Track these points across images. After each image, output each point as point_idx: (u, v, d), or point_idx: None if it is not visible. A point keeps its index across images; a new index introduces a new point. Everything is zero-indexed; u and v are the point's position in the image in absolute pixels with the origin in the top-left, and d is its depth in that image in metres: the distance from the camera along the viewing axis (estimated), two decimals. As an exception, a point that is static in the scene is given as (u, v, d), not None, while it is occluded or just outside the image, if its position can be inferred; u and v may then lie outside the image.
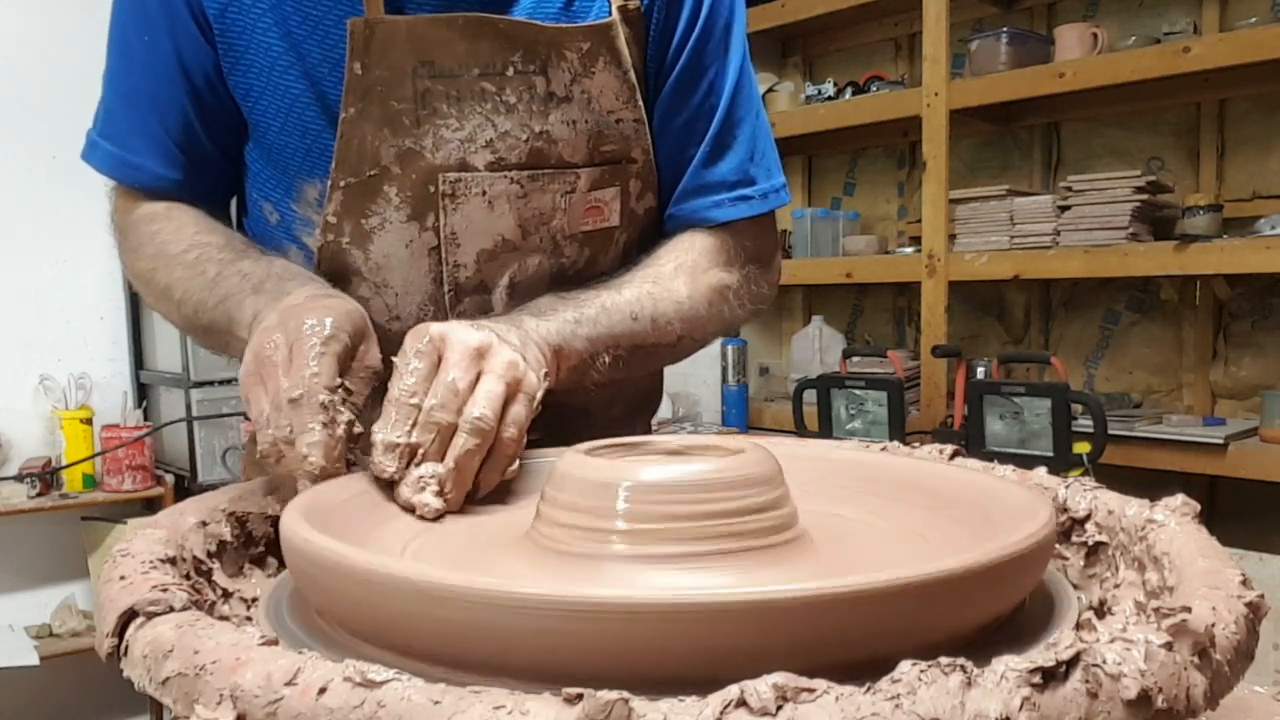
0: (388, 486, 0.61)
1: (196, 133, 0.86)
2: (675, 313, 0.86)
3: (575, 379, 0.79)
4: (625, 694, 0.32)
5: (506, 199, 0.83)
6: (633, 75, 0.86)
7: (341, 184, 0.80)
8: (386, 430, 0.61)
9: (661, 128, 0.90)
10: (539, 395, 0.67)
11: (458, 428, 0.61)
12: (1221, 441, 2.25)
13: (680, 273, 0.88)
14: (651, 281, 0.86)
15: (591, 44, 0.83)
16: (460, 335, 0.64)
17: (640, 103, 0.87)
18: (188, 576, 0.53)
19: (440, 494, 0.61)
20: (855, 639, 0.39)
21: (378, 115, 0.79)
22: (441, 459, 0.61)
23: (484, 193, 0.82)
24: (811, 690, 0.32)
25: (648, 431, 1.04)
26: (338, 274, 0.84)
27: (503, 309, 0.85)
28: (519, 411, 0.64)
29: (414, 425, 0.61)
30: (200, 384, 2.73)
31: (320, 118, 0.81)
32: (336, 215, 0.82)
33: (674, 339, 0.87)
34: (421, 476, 0.60)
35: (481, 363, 0.64)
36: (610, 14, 0.85)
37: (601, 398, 0.90)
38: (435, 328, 0.65)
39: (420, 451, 0.61)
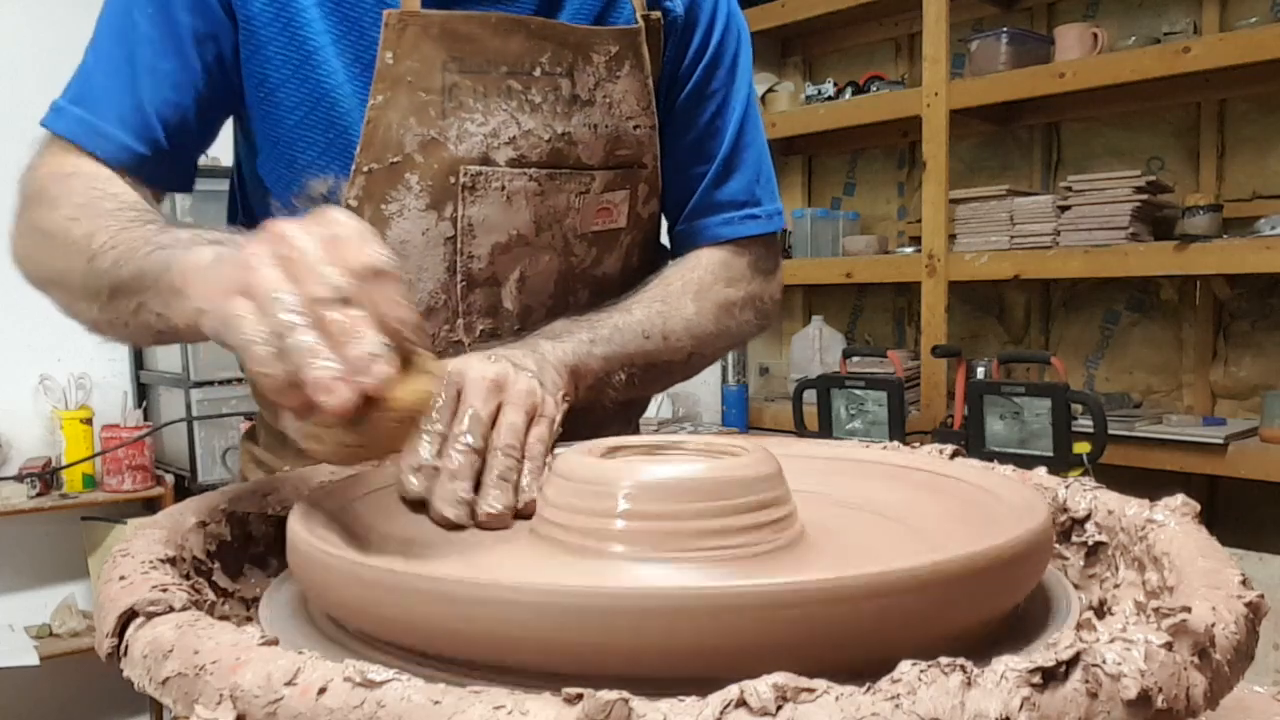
0: (418, 504, 0.60)
1: (185, 110, 0.82)
2: (685, 329, 0.89)
3: (593, 397, 0.80)
4: (625, 694, 0.32)
5: (524, 195, 0.85)
6: (651, 83, 0.90)
7: (365, 169, 0.81)
8: (413, 455, 0.60)
9: (671, 144, 0.93)
10: (559, 418, 0.68)
11: (487, 451, 0.61)
12: (1221, 441, 2.25)
13: (687, 290, 0.91)
14: (660, 300, 0.89)
15: (620, 48, 0.87)
16: (477, 370, 0.65)
17: (655, 111, 0.91)
18: (188, 576, 0.53)
19: (471, 507, 0.60)
20: (854, 635, 0.39)
21: (405, 104, 0.80)
22: (471, 478, 0.60)
23: (503, 188, 0.84)
24: (811, 690, 0.32)
25: (634, 433, 1.05)
26: None
27: (511, 303, 0.88)
28: (542, 431, 0.65)
29: (441, 449, 0.61)
30: (200, 384, 2.73)
31: (346, 117, 0.81)
32: (358, 200, 0.82)
33: (685, 355, 0.90)
34: (455, 491, 0.59)
35: (500, 394, 0.65)
36: (636, 21, 0.88)
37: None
38: (452, 364, 0.65)
39: (450, 470, 0.60)
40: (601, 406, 0.82)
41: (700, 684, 0.34)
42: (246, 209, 0.93)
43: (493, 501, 0.60)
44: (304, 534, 0.48)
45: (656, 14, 0.89)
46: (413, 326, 0.49)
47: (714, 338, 0.92)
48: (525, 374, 0.68)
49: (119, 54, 0.82)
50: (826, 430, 2.52)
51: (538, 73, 0.84)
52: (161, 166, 0.82)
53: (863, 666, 0.36)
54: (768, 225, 0.98)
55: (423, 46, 0.80)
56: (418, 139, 0.81)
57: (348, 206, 0.82)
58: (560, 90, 0.85)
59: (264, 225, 0.53)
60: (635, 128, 0.90)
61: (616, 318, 0.85)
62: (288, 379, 0.47)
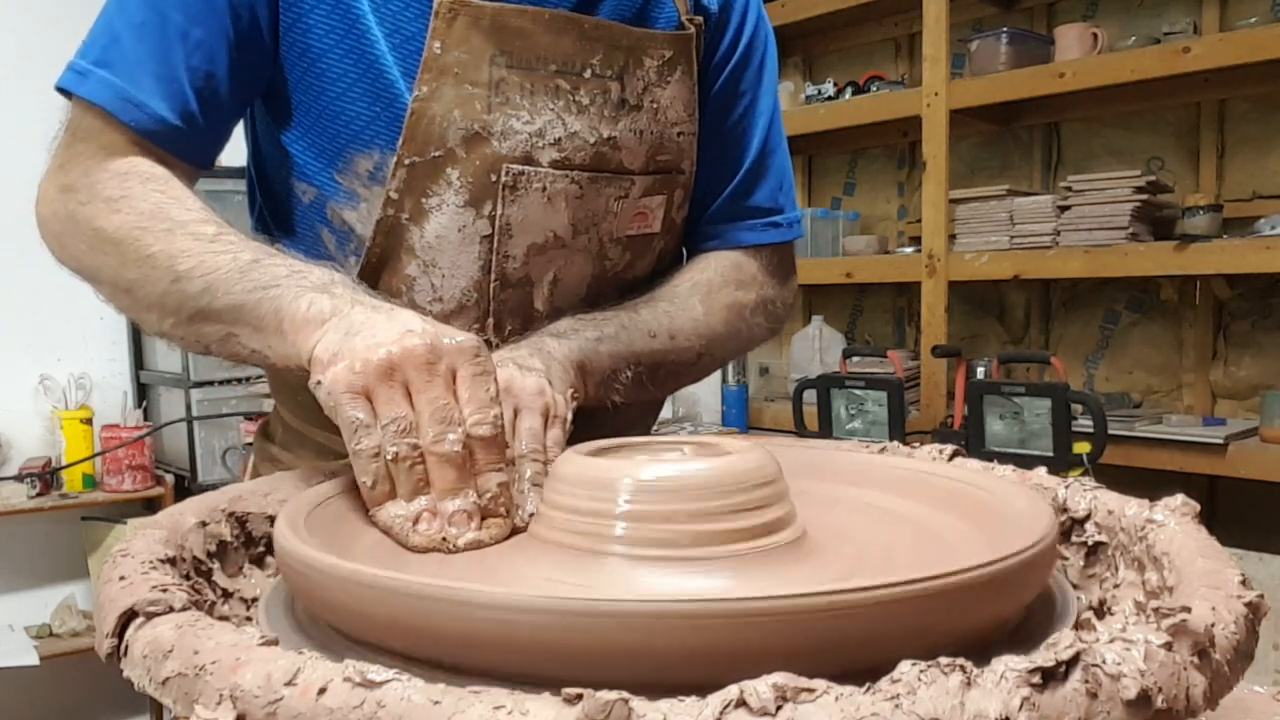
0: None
1: (217, 81, 0.78)
2: (693, 329, 0.89)
3: (601, 395, 0.80)
4: (625, 694, 0.32)
5: (564, 197, 0.83)
6: (697, 90, 0.89)
7: (406, 162, 0.79)
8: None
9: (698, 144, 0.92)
10: (569, 416, 0.69)
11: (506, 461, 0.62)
12: (1221, 441, 2.25)
13: (695, 292, 0.91)
14: (667, 301, 0.89)
15: (673, 53, 0.86)
16: None
17: (698, 116, 0.90)
18: (188, 576, 0.53)
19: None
20: (856, 644, 0.38)
21: (450, 96, 0.78)
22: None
23: (544, 189, 0.82)
24: (811, 690, 0.32)
25: (646, 434, 1.05)
26: (390, 250, 0.82)
27: (542, 304, 0.86)
28: (557, 434, 0.66)
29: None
30: (200, 384, 2.73)
31: (393, 87, 0.79)
32: (399, 192, 0.80)
33: (694, 356, 0.90)
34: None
35: (512, 398, 0.65)
36: (680, 24, 0.87)
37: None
38: None
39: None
40: (611, 409, 0.82)
41: (700, 687, 0.34)
42: (269, 195, 0.90)
43: (531, 507, 0.60)
44: (292, 541, 0.47)
45: (699, 18, 0.89)
46: (504, 489, 0.58)
47: (724, 339, 0.92)
48: (533, 374, 0.68)
49: (149, 16, 0.77)
50: (826, 430, 2.52)
51: (588, 74, 0.82)
52: (192, 141, 0.79)
53: (863, 669, 0.36)
54: (788, 234, 0.99)
55: (472, 38, 0.78)
56: (461, 133, 0.79)
57: (388, 199, 0.80)
58: (609, 93, 0.83)
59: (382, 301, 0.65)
60: (679, 134, 0.88)
61: (623, 316, 0.85)
62: (384, 496, 0.57)
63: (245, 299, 0.67)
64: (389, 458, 0.56)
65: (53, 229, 0.79)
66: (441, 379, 0.57)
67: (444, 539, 0.56)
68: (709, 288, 0.92)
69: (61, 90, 0.78)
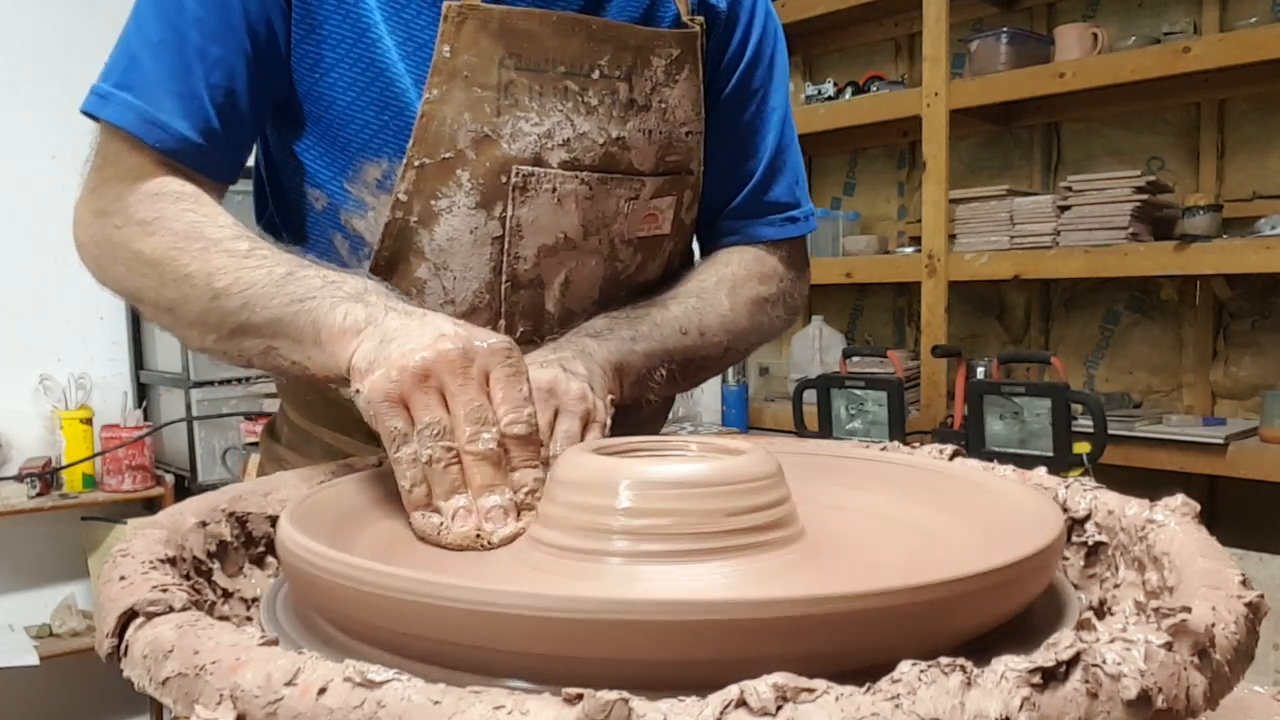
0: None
1: (237, 97, 0.79)
2: (720, 324, 0.90)
3: (636, 394, 0.81)
4: (625, 694, 0.32)
5: (574, 198, 0.84)
6: (703, 88, 0.90)
7: (416, 163, 0.79)
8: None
9: (709, 140, 0.93)
10: (608, 421, 0.70)
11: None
12: (1221, 441, 2.25)
13: (721, 287, 0.92)
14: (695, 296, 0.90)
15: (681, 51, 0.86)
16: (532, 376, 0.64)
17: (705, 116, 0.91)
18: (188, 576, 0.53)
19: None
20: (857, 645, 0.38)
21: (460, 99, 0.79)
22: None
23: (554, 190, 0.83)
24: (811, 690, 0.32)
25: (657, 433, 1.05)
26: (400, 253, 0.83)
27: (554, 306, 0.87)
28: (595, 437, 0.67)
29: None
30: (200, 384, 2.73)
31: (403, 96, 0.80)
32: (408, 194, 0.81)
33: (721, 351, 0.91)
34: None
35: (554, 400, 0.67)
36: (683, 22, 0.88)
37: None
38: None
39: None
40: (643, 406, 0.83)
41: (700, 688, 0.34)
42: (281, 201, 0.90)
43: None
44: (295, 536, 0.47)
45: (700, 17, 0.89)
46: (540, 485, 0.59)
47: (748, 333, 0.93)
48: (576, 379, 0.69)
49: (167, 35, 0.77)
50: (826, 430, 2.52)
51: (596, 75, 0.82)
52: (215, 157, 0.80)
53: (865, 669, 0.36)
54: (804, 228, 1.00)
55: (481, 41, 0.78)
56: (471, 135, 0.79)
57: (397, 201, 0.81)
58: (618, 94, 0.84)
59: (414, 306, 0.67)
60: (687, 134, 0.89)
61: (655, 314, 0.85)
62: (423, 499, 0.58)
63: (283, 312, 0.68)
64: (424, 461, 0.58)
65: (91, 253, 0.81)
66: (475, 381, 0.59)
67: (478, 534, 0.57)
68: (734, 282, 0.93)
69: (87, 114, 0.79)
